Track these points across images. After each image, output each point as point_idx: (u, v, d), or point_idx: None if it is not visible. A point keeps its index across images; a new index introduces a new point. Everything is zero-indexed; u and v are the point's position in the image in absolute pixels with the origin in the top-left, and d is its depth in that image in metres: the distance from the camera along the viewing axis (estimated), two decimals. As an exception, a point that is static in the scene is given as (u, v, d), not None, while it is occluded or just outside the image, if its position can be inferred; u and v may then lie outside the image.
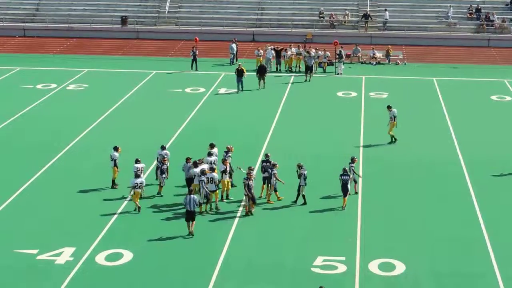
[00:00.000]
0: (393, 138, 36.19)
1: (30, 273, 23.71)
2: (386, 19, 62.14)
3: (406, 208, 28.89)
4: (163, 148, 31.15)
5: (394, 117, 36.13)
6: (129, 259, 24.63)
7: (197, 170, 28.52)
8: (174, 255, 24.97)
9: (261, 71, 46.79)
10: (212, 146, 30.97)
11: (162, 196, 29.60)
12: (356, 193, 29.75)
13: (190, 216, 26.42)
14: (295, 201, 29.03)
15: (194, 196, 26.62)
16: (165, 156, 30.13)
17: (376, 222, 27.53)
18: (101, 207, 28.67)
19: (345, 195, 28.61)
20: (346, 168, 28.97)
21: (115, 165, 30.28)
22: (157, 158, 30.58)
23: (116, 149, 30.62)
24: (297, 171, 29.11)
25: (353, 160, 30.00)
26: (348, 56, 53.12)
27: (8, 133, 38.04)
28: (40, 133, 37.81)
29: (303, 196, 28.87)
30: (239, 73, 45.61)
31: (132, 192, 28.21)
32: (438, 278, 23.57)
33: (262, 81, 46.65)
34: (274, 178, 28.88)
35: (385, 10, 62.63)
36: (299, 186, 28.85)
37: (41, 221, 27.56)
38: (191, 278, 23.49)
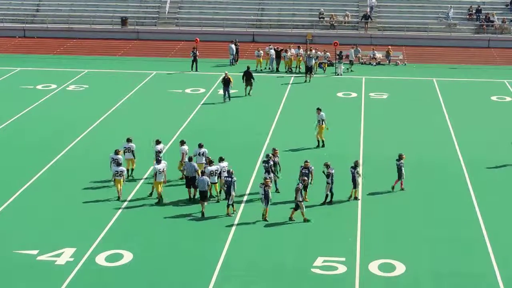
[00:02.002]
0: (321, 142, 35.38)
1: (30, 274, 23.71)
2: (373, 2, 62.15)
3: (406, 208, 28.90)
4: (158, 142, 31.53)
5: (322, 120, 35.35)
6: (129, 259, 24.64)
7: (158, 166, 28.83)
8: (174, 256, 24.97)
9: (247, 77, 44.88)
10: (182, 143, 31.43)
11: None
12: (403, 189, 30.20)
13: (202, 196, 27.80)
14: (325, 202, 29.13)
15: (206, 178, 27.92)
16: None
17: (376, 222, 27.55)
18: (101, 207, 28.69)
19: (355, 186, 29.16)
20: (358, 161, 29.68)
21: (134, 155, 31.16)
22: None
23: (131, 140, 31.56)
24: (323, 171, 29.19)
25: (400, 157, 30.13)
26: (347, 56, 53.01)
27: (8, 133, 38.04)
28: (40, 134, 37.82)
29: (332, 194, 29.06)
30: (226, 82, 43.53)
31: (113, 180, 29.44)
32: (438, 279, 23.56)
33: (249, 88, 44.86)
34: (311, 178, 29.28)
35: None
36: (327, 184, 29.01)
37: (41, 221, 27.57)
38: (191, 279, 23.49)
